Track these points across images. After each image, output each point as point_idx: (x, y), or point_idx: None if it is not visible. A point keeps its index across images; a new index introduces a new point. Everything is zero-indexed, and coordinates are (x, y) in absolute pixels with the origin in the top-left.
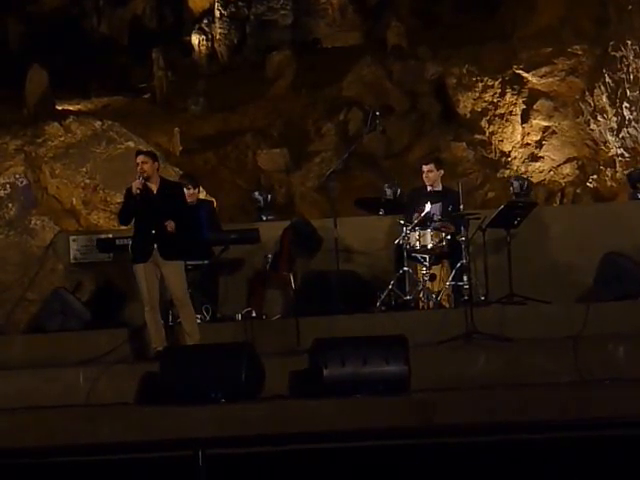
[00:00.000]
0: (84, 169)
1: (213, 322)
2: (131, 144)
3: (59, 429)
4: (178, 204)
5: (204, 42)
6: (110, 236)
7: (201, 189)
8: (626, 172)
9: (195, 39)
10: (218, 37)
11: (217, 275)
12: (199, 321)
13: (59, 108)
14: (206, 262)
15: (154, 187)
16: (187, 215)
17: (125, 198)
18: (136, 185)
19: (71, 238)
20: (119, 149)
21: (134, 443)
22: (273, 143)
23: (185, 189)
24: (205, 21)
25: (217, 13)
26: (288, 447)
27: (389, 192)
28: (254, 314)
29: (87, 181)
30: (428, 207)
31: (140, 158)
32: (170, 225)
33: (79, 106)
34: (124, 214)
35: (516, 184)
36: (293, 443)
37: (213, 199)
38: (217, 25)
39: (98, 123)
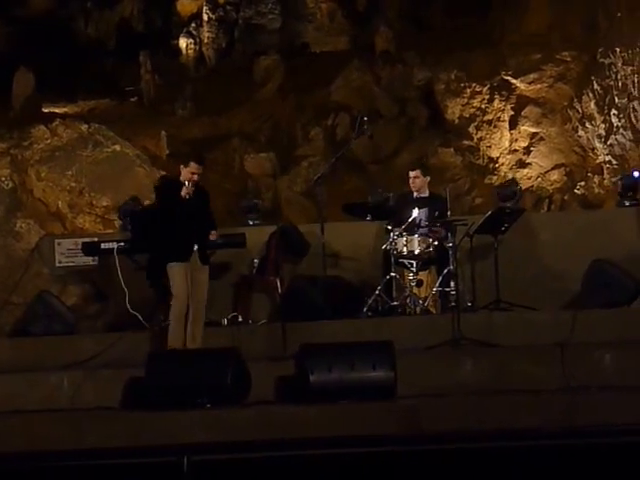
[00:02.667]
0: (70, 172)
1: None
2: (117, 147)
3: (43, 434)
4: (206, 208)
5: (192, 46)
6: (95, 240)
7: None
8: (613, 179)
9: (183, 43)
10: (206, 41)
11: None
12: None
13: (45, 111)
14: None
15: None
16: (214, 219)
17: (164, 196)
18: (188, 191)
19: (56, 241)
20: (105, 152)
21: (119, 449)
22: (260, 147)
23: None
24: (193, 25)
25: (205, 17)
26: (274, 453)
27: (376, 198)
28: (240, 319)
29: (73, 184)
30: (415, 213)
31: (198, 169)
32: (214, 235)
33: (66, 109)
34: (168, 212)
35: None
36: (279, 449)
37: None
38: (205, 29)
39: (85, 126)
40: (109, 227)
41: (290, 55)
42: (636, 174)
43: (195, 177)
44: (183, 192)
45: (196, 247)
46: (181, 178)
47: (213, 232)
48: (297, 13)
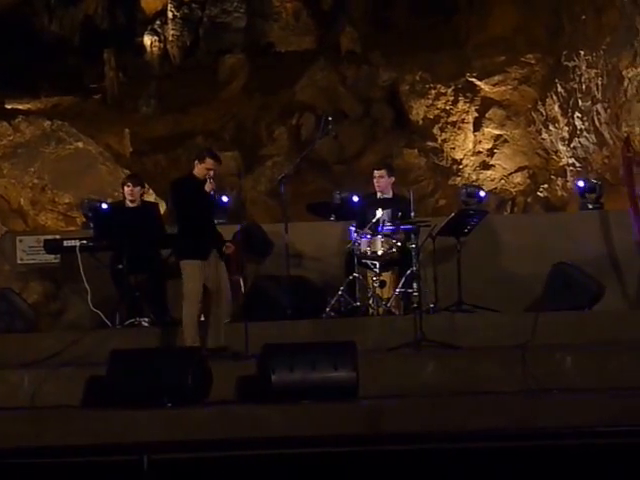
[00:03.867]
0: (32, 169)
1: (160, 326)
2: (80, 144)
3: (2, 431)
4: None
5: (156, 43)
6: (58, 237)
7: (151, 191)
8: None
9: (147, 40)
10: (171, 39)
11: (165, 278)
12: (146, 324)
13: (8, 107)
14: (154, 265)
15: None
16: None
17: (185, 193)
18: (212, 187)
19: (18, 239)
20: (68, 149)
21: (79, 447)
22: (225, 146)
23: (125, 187)
24: (158, 22)
25: (170, 14)
26: (234, 452)
27: (340, 198)
28: (202, 318)
29: (35, 181)
30: (379, 214)
31: (215, 165)
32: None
33: (29, 105)
34: (191, 209)
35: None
36: (239, 449)
37: (161, 202)
38: (170, 26)
39: (47, 123)
40: (71, 224)
41: (255, 54)
42: (581, 184)
43: (212, 173)
44: (208, 187)
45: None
46: (195, 173)
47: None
48: (262, 12)
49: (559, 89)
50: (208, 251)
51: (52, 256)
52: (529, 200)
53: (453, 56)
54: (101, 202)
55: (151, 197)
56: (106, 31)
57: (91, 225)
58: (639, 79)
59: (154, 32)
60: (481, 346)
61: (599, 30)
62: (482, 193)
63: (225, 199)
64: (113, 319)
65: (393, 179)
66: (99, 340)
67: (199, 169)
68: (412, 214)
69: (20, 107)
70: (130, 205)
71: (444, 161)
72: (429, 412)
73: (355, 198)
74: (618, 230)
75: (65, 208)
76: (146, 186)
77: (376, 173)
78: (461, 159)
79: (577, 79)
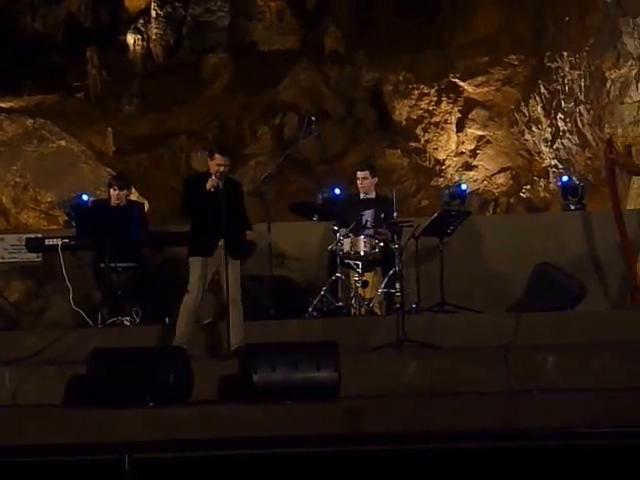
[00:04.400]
0: (15, 167)
1: (142, 325)
2: (63, 143)
3: None
4: (240, 202)
5: (140, 42)
6: (39, 236)
7: (133, 190)
8: (558, 183)
9: (130, 39)
10: (154, 37)
11: (147, 277)
12: (128, 324)
13: None
14: (137, 264)
15: (220, 184)
16: (245, 213)
17: (188, 191)
18: (212, 183)
19: None
20: (51, 148)
21: (60, 446)
22: (208, 145)
23: (111, 190)
24: (141, 21)
25: (153, 13)
26: (216, 452)
27: (322, 198)
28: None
29: (18, 179)
30: (362, 214)
31: (224, 161)
32: (249, 236)
33: (11, 103)
34: (191, 206)
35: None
36: (221, 448)
37: (144, 201)
38: (153, 25)
39: (30, 121)
40: (53, 223)
41: (238, 53)
42: (565, 179)
43: (222, 169)
44: (208, 185)
45: (222, 242)
46: (210, 171)
47: (249, 232)
48: (246, 11)
49: (542, 90)
50: (210, 248)
51: (34, 255)
52: (512, 201)
53: (436, 57)
54: (81, 195)
55: (134, 196)
56: (89, 29)
57: (73, 224)
58: (622, 81)
59: (137, 31)
60: (463, 346)
61: (582, 32)
62: (464, 186)
63: None
64: (95, 318)
65: (376, 179)
66: (81, 339)
67: (211, 166)
68: (395, 214)
69: (2, 105)
70: (115, 203)
71: (427, 162)
72: (411, 412)
73: (337, 191)
74: (600, 231)
75: (47, 207)
76: None
77: (359, 174)
78: (444, 160)
79: (560, 80)
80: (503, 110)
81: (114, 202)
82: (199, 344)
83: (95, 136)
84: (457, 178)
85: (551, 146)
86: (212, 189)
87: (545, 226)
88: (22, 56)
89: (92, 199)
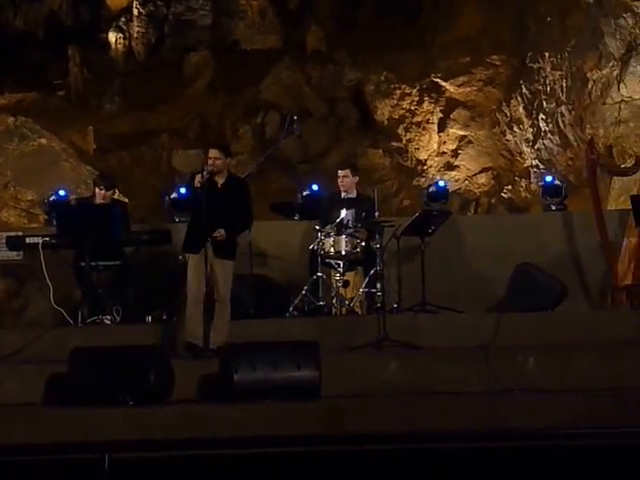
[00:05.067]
0: None
1: (123, 324)
2: (44, 141)
3: None
4: (241, 200)
5: (121, 40)
6: (20, 234)
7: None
8: (540, 183)
9: (112, 37)
10: (136, 35)
11: (128, 276)
12: (108, 322)
13: None
14: (118, 263)
15: (220, 181)
16: (249, 212)
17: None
18: (198, 179)
19: None
20: (32, 146)
21: (39, 445)
22: (189, 144)
23: (97, 189)
24: (123, 19)
25: (135, 11)
26: (196, 452)
27: (302, 197)
28: (165, 316)
29: None
30: (343, 213)
31: (213, 153)
32: (220, 234)
33: None
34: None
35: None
36: (201, 448)
37: (126, 200)
38: (135, 23)
39: (11, 119)
40: (34, 221)
41: (220, 52)
42: (549, 179)
43: (213, 162)
44: (195, 181)
45: (210, 241)
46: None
47: (219, 230)
48: (228, 10)
49: (524, 90)
50: (197, 245)
51: (14, 253)
52: (493, 201)
53: (418, 56)
54: (58, 190)
55: (118, 195)
56: (71, 27)
57: (54, 222)
58: (603, 81)
59: (119, 29)
60: (444, 346)
61: (564, 32)
62: (441, 183)
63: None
64: (75, 317)
65: (357, 179)
66: (61, 338)
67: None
68: (376, 214)
69: None
70: (100, 202)
71: (409, 161)
72: (391, 412)
73: (315, 187)
74: (581, 231)
75: (28, 205)
76: None
77: (340, 173)
78: (425, 159)
79: (542, 81)
80: (485, 110)
81: (99, 201)
82: (179, 343)
83: (76, 134)
84: (439, 178)
85: (532, 146)
86: (199, 184)
87: (526, 226)
88: (3, 53)
89: (74, 197)
